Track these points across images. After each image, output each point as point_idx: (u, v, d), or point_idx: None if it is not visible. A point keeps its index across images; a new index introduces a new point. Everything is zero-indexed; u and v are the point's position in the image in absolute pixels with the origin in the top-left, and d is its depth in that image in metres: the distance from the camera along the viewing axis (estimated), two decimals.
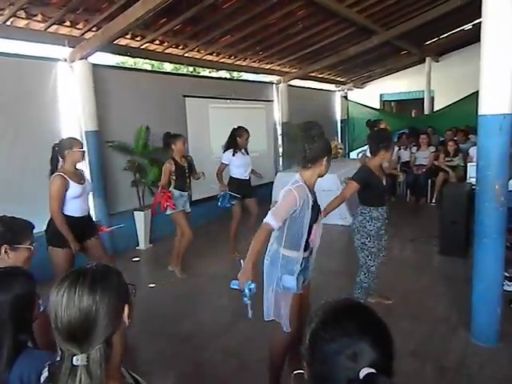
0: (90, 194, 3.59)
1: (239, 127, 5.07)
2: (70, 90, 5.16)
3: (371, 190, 3.41)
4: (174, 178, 4.48)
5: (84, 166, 4.35)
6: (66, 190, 3.15)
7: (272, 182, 7.17)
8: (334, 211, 3.42)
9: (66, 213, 3.20)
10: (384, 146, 3.38)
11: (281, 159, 9.41)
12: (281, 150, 9.33)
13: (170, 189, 4.48)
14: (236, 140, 4.99)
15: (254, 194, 5.20)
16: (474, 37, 9.11)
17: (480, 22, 2.82)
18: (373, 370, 0.82)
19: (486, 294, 3.00)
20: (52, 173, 3.20)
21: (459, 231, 4.87)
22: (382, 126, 4.96)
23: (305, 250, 2.36)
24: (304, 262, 2.37)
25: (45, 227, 3.25)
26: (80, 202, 3.27)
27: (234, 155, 4.99)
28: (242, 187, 5.03)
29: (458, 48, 10.49)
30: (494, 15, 2.71)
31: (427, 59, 10.58)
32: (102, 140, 5.44)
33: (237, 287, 2.23)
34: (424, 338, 3.20)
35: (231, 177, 5.10)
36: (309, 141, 2.37)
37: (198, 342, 3.28)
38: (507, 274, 3.59)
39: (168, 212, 4.51)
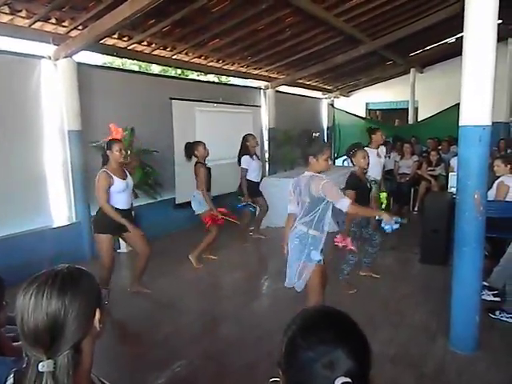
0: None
1: (246, 134, 5.71)
2: (53, 89, 5.07)
3: (360, 193, 3.94)
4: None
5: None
6: (111, 185, 3.73)
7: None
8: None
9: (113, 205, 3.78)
10: (350, 154, 4.18)
11: (267, 164, 9.42)
12: (267, 155, 9.35)
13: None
14: (247, 146, 5.57)
15: (261, 193, 5.90)
16: (457, 50, 9.35)
17: (463, 36, 2.88)
18: (348, 380, 0.81)
19: (464, 302, 3.04)
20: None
21: (440, 240, 4.93)
22: (379, 133, 5.35)
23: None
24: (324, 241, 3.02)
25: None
26: (124, 196, 3.84)
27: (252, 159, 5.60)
28: (255, 189, 5.71)
29: (441, 60, 10.74)
30: (474, 29, 2.77)
31: (412, 70, 10.79)
32: (86, 140, 5.35)
33: (389, 226, 2.99)
34: (403, 346, 3.21)
35: (248, 180, 5.62)
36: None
37: (176, 347, 3.23)
38: (485, 284, 3.64)
39: (197, 212, 4.89)
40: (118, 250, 5.68)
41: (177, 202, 6.49)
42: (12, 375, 1.01)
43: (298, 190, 3.02)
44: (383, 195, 4.80)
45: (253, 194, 5.67)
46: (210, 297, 4.30)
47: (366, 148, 4.42)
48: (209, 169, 4.88)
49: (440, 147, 8.46)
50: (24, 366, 0.95)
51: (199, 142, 4.94)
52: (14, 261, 4.04)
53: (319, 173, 3.00)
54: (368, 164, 4.13)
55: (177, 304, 4.06)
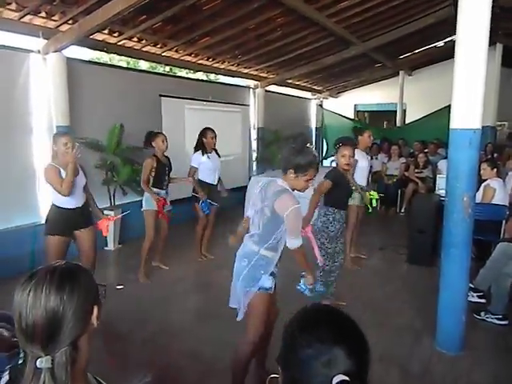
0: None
1: (204, 128, 5.04)
2: (42, 83, 4.98)
3: (339, 191, 3.59)
4: (152, 174, 4.45)
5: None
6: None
7: (245, 186, 7.16)
8: None
9: None
10: (336, 148, 3.78)
11: (255, 164, 9.43)
12: (255, 154, 9.35)
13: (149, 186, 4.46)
14: (202, 141, 4.95)
15: (218, 201, 5.11)
16: (446, 54, 9.56)
17: (452, 40, 2.92)
18: (346, 378, 0.82)
19: (451, 302, 3.09)
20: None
21: (426, 241, 5.01)
22: (366, 134, 4.99)
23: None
24: (277, 263, 2.48)
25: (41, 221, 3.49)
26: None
27: (203, 156, 4.95)
28: (210, 193, 4.96)
29: (430, 64, 10.88)
30: (467, 32, 2.81)
31: (401, 73, 10.91)
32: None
33: (304, 288, 2.56)
34: (389, 345, 3.24)
35: (199, 180, 4.98)
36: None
37: (163, 345, 3.21)
38: (471, 285, 3.71)
39: (143, 208, 4.51)
40: (105, 248, 5.63)
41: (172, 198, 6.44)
42: (7, 372, 0.99)
43: (263, 194, 2.45)
44: (374, 194, 4.73)
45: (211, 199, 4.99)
46: (198, 295, 4.28)
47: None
48: (165, 163, 4.54)
49: (426, 150, 8.57)
50: (20, 362, 0.94)
51: (159, 133, 4.62)
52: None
53: (293, 189, 2.45)
54: (348, 165, 3.67)
55: (165, 301, 4.04)
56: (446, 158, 6.69)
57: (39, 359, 0.90)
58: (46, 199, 5.12)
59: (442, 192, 5.00)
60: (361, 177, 4.88)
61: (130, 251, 5.37)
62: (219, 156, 5.19)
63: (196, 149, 5.00)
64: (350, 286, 4.34)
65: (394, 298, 4.17)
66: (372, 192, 4.77)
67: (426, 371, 2.94)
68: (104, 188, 5.62)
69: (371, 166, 8.33)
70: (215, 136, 5.00)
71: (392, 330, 3.50)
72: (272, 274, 2.42)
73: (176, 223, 5.24)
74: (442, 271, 3.13)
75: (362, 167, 4.90)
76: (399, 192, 8.04)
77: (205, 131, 4.99)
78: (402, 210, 7.95)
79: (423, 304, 3.85)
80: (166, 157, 4.66)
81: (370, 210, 4.70)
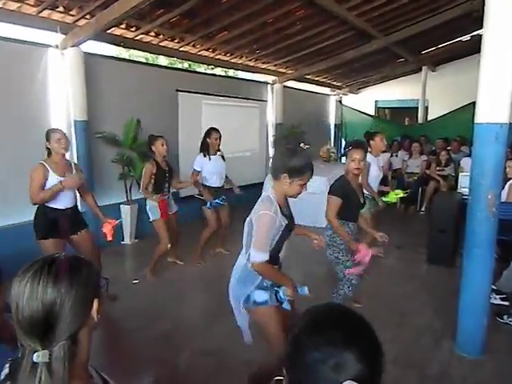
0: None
1: (209, 128, 4.82)
2: (60, 78, 5.03)
3: (346, 203, 3.17)
4: (152, 181, 4.29)
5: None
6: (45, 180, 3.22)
7: (262, 183, 7.10)
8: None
9: None
10: (346, 151, 3.43)
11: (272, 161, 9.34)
12: (272, 151, 9.27)
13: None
14: (206, 142, 4.75)
15: (226, 200, 4.95)
16: (472, 48, 9.26)
17: (478, 34, 2.79)
18: None
19: (473, 304, 2.97)
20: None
21: (447, 240, 4.85)
22: (378, 138, 4.56)
23: (275, 264, 2.21)
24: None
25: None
26: (61, 194, 3.29)
27: (204, 158, 4.74)
28: (216, 195, 4.79)
29: (454, 59, 10.54)
30: (495, 26, 2.69)
31: (423, 68, 10.62)
32: (91, 130, 5.32)
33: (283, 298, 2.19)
34: (407, 346, 3.15)
35: (205, 185, 4.78)
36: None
37: (176, 342, 3.19)
38: (493, 287, 3.56)
39: (151, 219, 4.38)
40: (122, 242, 5.66)
41: (181, 196, 6.44)
42: (8, 365, 0.97)
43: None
44: (399, 193, 4.40)
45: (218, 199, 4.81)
46: (212, 291, 4.25)
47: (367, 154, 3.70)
48: (164, 169, 4.37)
49: (449, 148, 8.33)
50: (19, 355, 0.91)
51: (159, 136, 4.38)
52: (13, 250, 4.02)
53: (286, 196, 2.23)
54: (358, 170, 3.26)
55: (178, 298, 4.03)
56: (469, 155, 6.50)
57: (36, 353, 0.87)
58: None
59: (465, 190, 4.84)
60: (372, 184, 4.39)
61: (147, 246, 5.36)
62: (224, 159, 4.94)
63: (200, 149, 4.80)
64: (366, 285, 4.23)
65: (413, 298, 4.05)
66: (396, 191, 4.50)
67: (445, 374, 2.84)
68: (120, 183, 5.65)
69: (391, 164, 8.31)
70: (220, 137, 4.79)
71: (410, 331, 3.39)
72: (264, 289, 2.16)
73: (189, 220, 5.22)
74: (463, 271, 3.01)
75: (371, 176, 4.39)
76: (420, 190, 7.85)
77: (209, 131, 4.78)
78: (423, 209, 7.76)
79: (443, 305, 3.73)
80: (166, 161, 4.49)
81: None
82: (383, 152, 5.03)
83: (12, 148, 4.55)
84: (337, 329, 0.83)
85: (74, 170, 3.38)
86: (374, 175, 4.44)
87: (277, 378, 0.94)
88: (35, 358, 0.87)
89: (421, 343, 3.22)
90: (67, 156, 3.56)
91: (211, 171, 4.77)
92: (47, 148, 3.29)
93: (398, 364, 2.86)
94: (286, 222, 2.18)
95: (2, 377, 0.96)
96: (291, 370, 0.85)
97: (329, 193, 3.21)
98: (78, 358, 0.94)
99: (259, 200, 2.19)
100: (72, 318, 0.91)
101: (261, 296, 2.15)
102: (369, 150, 4.31)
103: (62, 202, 3.30)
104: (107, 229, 3.55)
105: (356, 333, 0.83)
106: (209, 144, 4.73)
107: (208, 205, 4.73)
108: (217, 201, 4.77)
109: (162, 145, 4.33)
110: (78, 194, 3.55)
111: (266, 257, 2.06)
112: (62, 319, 0.90)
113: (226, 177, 5.02)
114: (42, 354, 0.87)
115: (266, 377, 2.21)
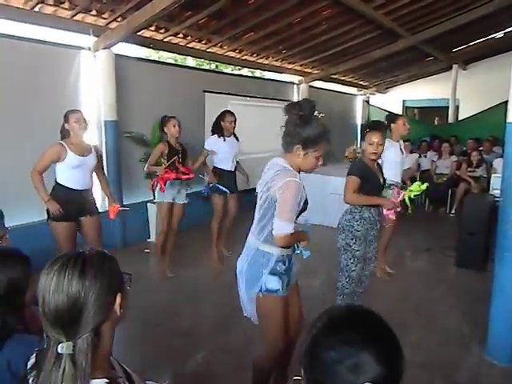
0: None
1: (224, 110, 4.67)
2: (91, 79, 5.18)
3: (367, 186, 3.02)
4: (165, 161, 4.12)
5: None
6: (59, 160, 3.32)
7: None
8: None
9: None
10: (362, 135, 3.25)
11: None
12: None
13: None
14: (219, 125, 4.58)
15: (236, 189, 4.76)
16: (506, 45, 8.94)
17: None
18: None
19: (504, 309, 2.87)
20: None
21: (478, 244, 4.71)
22: (400, 121, 4.31)
23: (288, 247, 2.06)
24: (288, 261, 2.09)
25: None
26: (76, 174, 3.38)
27: (220, 138, 4.57)
28: (227, 181, 4.63)
29: (487, 56, 10.20)
30: None
31: (454, 67, 10.33)
32: (120, 130, 5.45)
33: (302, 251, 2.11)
34: (434, 351, 3.09)
35: (214, 167, 4.67)
36: (296, 119, 2.04)
37: (196, 339, 3.22)
38: None
39: (156, 199, 4.34)
40: (148, 240, 5.77)
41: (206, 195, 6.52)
42: (35, 354, 1.01)
43: (266, 178, 2.06)
44: (416, 187, 3.45)
45: (228, 187, 4.63)
46: (232, 289, 4.27)
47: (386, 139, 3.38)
48: (177, 150, 4.18)
49: (481, 148, 8.08)
50: (45, 346, 0.95)
51: (171, 117, 4.20)
52: (39, 247, 4.15)
53: (300, 171, 2.06)
54: (376, 154, 3.06)
55: (200, 295, 4.07)
56: (501, 156, 6.29)
57: (60, 344, 0.90)
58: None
59: (497, 192, 4.68)
60: (391, 172, 4.03)
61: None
62: (238, 140, 4.78)
63: (213, 132, 4.63)
64: (393, 288, 4.17)
65: (441, 302, 3.96)
66: (414, 186, 3.50)
67: (474, 381, 2.77)
68: (147, 181, 5.75)
69: (419, 165, 8.14)
70: (235, 120, 4.60)
71: (437, 335, 3.32)
72: (277, 274, 2.02)
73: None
74: (495, 276, 2.93)
75: (389, 161, 4.06)
76: (450, 192, 7.65)
77: (224, 114, 4.60)
78: (453, 211, 7.55)
79: (472, 309, 3.63)
80: (180, 143, 4.30)
81: (410, 210, 3.67)
82: (411, 153, 4.86)
83: (43, 147, 4.68)
84: (353, 329, 0.83)
85: (94, 151, 3.48)
86: (392, 160, 4.14)
87: (295, 377, 0.95)
88: (59, 349, 0.90)
89: (448, 348, 3.14)
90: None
91: (228, 151, 4.63)
92: (63, 130, 3.37)
93: (426, 369, 2.81)
94: (305, 196, 2.04)
95: (29, 366, 1.01)
96: (309, 370, 0.85)
97: (347, 175, 3.06)
98: (101, 350, 0.97)
99: (275, 170, 2.00)
100: (96, 311, 0.94)
101: (274, 283, 2.01)
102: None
103: (79, 183, 3.37)
104: (112, 209, 3.71)
105: (374, 334, 0.83)
106: (222, 127, 4.59)
107: (204, 189, 4.64)
108: (219, 186, 4.57)
109: (174, 126, 4.16)
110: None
111: (291, 228, 1.93)
112: (86, 312, 0.93)
113: (238, 162, 4.85)
114: (67, 345, 0.90)
115: (267, 374, 2.23)
